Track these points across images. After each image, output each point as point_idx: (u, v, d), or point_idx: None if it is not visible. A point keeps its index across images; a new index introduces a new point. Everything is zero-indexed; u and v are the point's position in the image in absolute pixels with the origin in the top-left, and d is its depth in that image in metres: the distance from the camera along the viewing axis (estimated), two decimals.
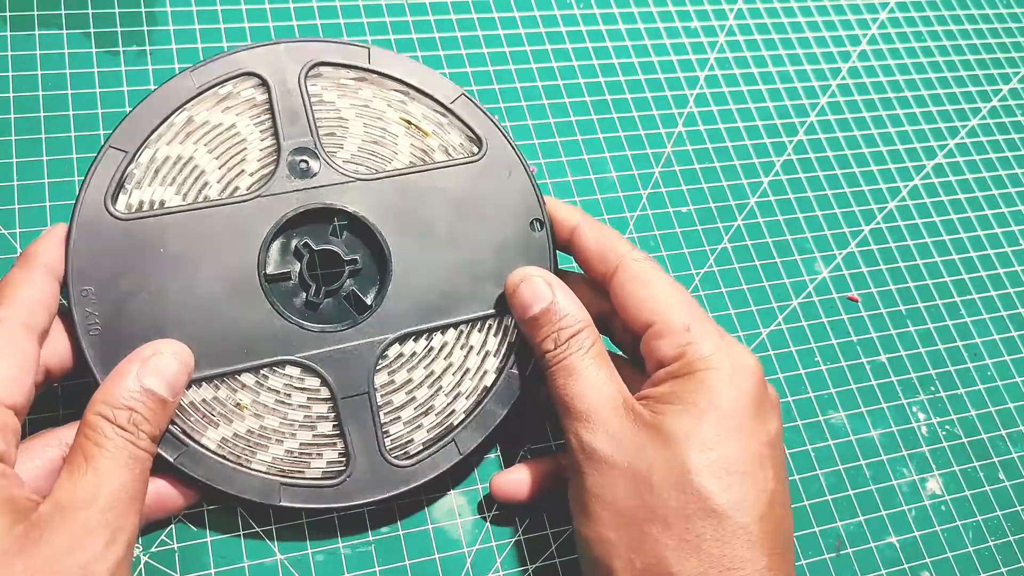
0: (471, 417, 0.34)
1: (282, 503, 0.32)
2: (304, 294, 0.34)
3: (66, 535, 0.25)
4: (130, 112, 0.33)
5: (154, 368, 0.29)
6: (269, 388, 0.32)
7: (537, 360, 0.33)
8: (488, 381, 0.34)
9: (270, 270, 0.33)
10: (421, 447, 0.33)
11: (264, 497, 0.31)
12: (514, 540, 0.36)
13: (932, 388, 0.43)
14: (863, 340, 0.44)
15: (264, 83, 0.34)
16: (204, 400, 0.31)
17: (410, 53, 0.46)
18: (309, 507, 0.32)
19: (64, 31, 0.42)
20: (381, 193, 0.34)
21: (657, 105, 0.48)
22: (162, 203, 0.32)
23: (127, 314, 0.31)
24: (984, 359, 0.45)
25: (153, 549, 0.33)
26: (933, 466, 0.41)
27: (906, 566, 0.38)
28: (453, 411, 0.34)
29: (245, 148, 0.33)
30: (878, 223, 0.47)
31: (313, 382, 0.32)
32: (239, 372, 0.32)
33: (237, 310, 0.32)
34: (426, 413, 0.34)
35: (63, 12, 0.42)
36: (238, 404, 0.32)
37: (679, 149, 0.47)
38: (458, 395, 0.34)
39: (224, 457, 0.31)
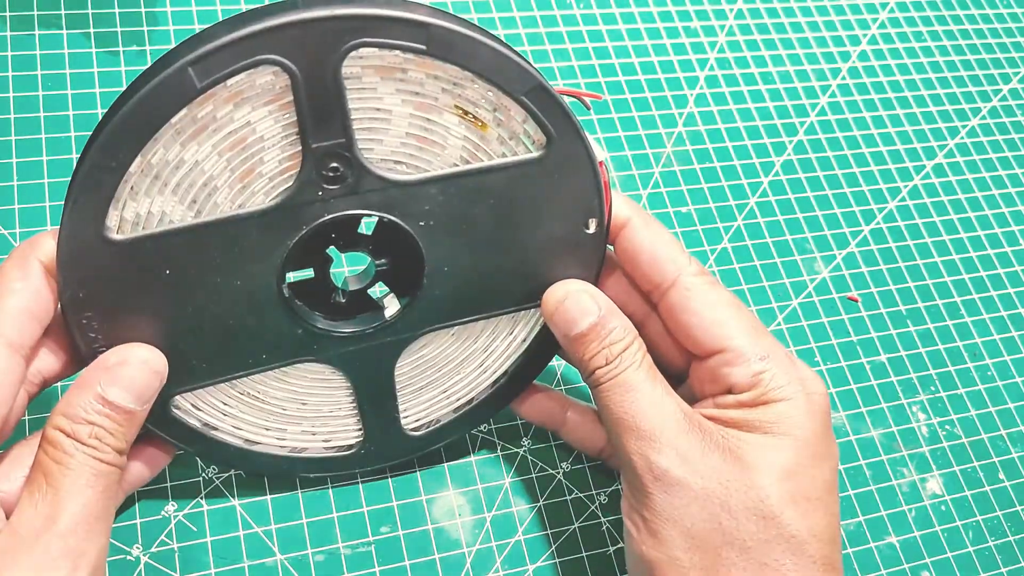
0: (485, 395, 0.34)
1: (297, 473, 0.33)
2: (327, 297, 0.32)
3: (23, 567, 0.24)
4: (116, 114, 0.25)
5: (119, 378, 0.27)
6: (288, 381, 0.32)
7: (584, 377, 0.32)
8: (508, 365, 0.34)
9: (291, 276, 0.30)
10: (437, 422, 0.34)
11: (278, 469, 0.33)
12: (514, 540, 0.36)
13: (932, 388, 0.43)
14: (863, 340, 0.44)
15: (287, 69, 0.26)
16: (220, 399, 0.31)
17: None
18: (327, 474, 0.34)
19: (64, 31, 0.42)
20: (420, 198, 0.29)
21: (657, 105, 0.48)
22: (164, 215, 0.27)
23: (134, 334, 0.28)
24: (984, 359, 0.45)
25: (153, 549, 0.33)
26: (933, 466, 0.41)
27: (906, 566, 0.38)
28: (470, 391, 0.34)
29: (262, 148, 0.27)
30: (878, 223, 0.47)
31: (334, 375, 0.32)
32: (256, 373, 0.31)
33: (254, 323, 0.29)
34: (443, 393, 0.34)
35: (63, 12, 0.42)
36: (256, 398, 0.32)
37: (679, 149, 0.47)
38: (478, 376, 0.34)
39: (240, 440, 0.32)
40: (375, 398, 0.33)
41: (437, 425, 0.35)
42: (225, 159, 0.27)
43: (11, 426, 0.27)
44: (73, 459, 0.26)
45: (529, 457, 0.37)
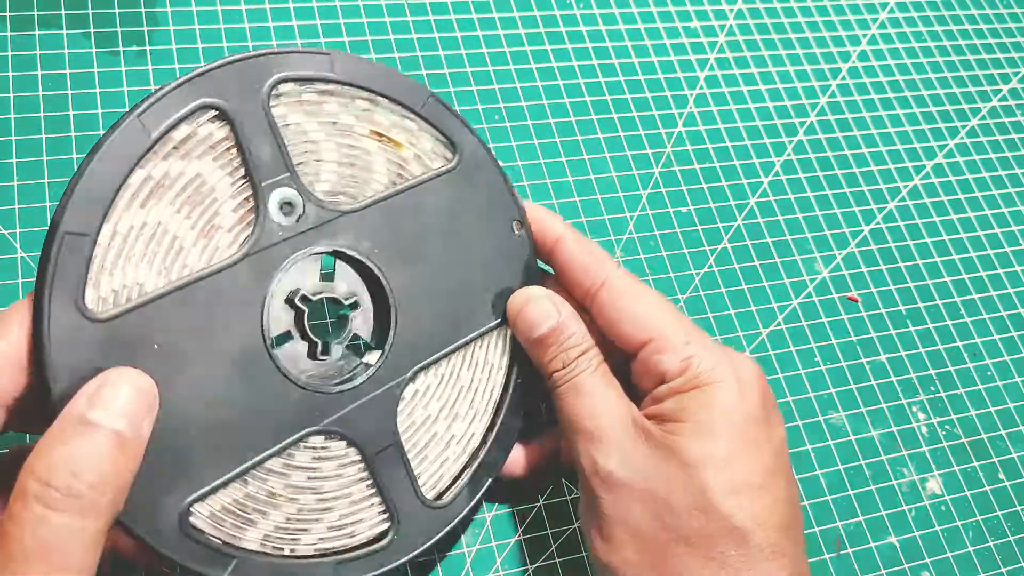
0: (492, 435, 0.33)
1: None
2: (310, 351, 0.31)
3: None
4: (78, 182, 0.26)
5: (101, 399, 0.23)
6: (297, 466, 0.30)
7: (543, 380, 0.33)
8: (498, 396, 0.34)
9: (272, 334, 0.30)
10: (451, 480, 0.33)
11: None
12: (514, 540, 0.36)
13: (932, 388, 0.43)
14: (863, 340, 0.44)
15: (224, 116, 0.28)
16: (236, 500, 0.29)
17: (409, 54, 0.46)
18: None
19: (64, 31, 0.42)
20: (368, 224, 0.31)
21: (657, 105, 0.48)
22: (139, 286, 0.27)
23: None
24: (984, 359, 0.45)
25: None
26: (933, 466, 0.41)
27: (906, 566, 0.38)
28: (473, 434, 0.33)
29: (216, 199, 0.28)
30: (878, 223, 0.47)
31: (339, 446, 0.30)
32: (265, 460, 0.29)
33: (251, 391, 0.28)
34: (448, 444, 0.33)
35: (63, 12, 0.42)
36: (271, 493, 0.29)
37: (679, 149, 0.47)
38: (474, 417, 0.33)
39: (268, 554, 0.29)
40: (387, 464, 0.31)
41: (456, 489, 0.33)
42: (183, 214, 0.28)
43: None
44: (27, 513, 0.21)
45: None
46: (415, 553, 0.31)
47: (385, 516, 0.31)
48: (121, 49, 0.42)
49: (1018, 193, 0.50)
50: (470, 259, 0.33)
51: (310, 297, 0.31)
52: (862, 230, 0.47)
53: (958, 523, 0.40)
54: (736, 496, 0.29)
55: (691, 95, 0.49)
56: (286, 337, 0.31)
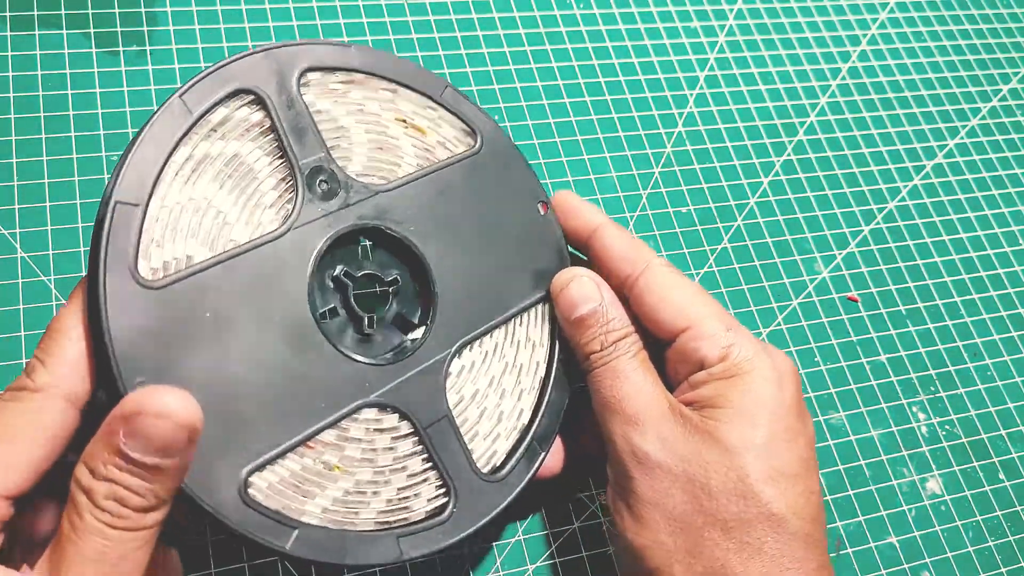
0: (540, 411, 0.33)
1: (409, 557, 0.29)
2: (355, 327, 0.32)
3: None
4: (128, 156, 0.27)
5: (137, 430, 0.23)
6: (352, 439, 0.30)
7: (579, 361, 0.33)
8: (543, 372, 0.34)
9: (319, 309, 0.30)
10: (505, 456, 0.33)
11: (389, 557, 0.29)
12: (514, 540, 0.36)
13: (932, 388, 0.43)
14: (863, 340, 0.44)
15: (259, 99, 0.30)
16: (293, 472, 0.28)
17: (409, 53, 0.46)
18: (436, 550, 0.30)
19: (64, 31, 0.42)
20: (402, 203, 0.32)
21: (657, 105, 0.48)
22: (188, 258, 0.28)
23: (193, 394, 0.26)
24: (984, 359, 0.45)
25: None
26: (933, 466, 0.41)
27: (906, 566, 0.38)
28: (522, 410, 0.33)
29: (256, 178, 0.30)
30: (878, 223, 0.47)
31: (392, 419, 0.30)
32: (320, 431, 0.29)
33: (303, 362, 0.29)
34: (499, 420, 0.33)
35: (63, 12, 0.42)
36: (328, 466, 0.29)
37: (679, 149, 0.47)
38: (521, 393, 0.33)
39: (329, 527, 0.29)
40: (440, 438, 0.31)
41: (512, 463, 0.33)
42: (226, 190, 0.29)
43: (28, 484, 0.25)
44: (83, 527, 0.23)
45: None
46: (478, 526, 0.31)
47: (443, 491, 0.31)
48: (121, 49, 0.42)
49: (1018, 193, 0.50)
50: (502, 238, 0.34)
51: (353, 273, 0.32)
52: (862, 230, 0.47)
53: (958, 523, 0.40)
54: (775, 484, 0.29)
55: (691, 95, 0.49)
56: (331, 313, 0.31)
